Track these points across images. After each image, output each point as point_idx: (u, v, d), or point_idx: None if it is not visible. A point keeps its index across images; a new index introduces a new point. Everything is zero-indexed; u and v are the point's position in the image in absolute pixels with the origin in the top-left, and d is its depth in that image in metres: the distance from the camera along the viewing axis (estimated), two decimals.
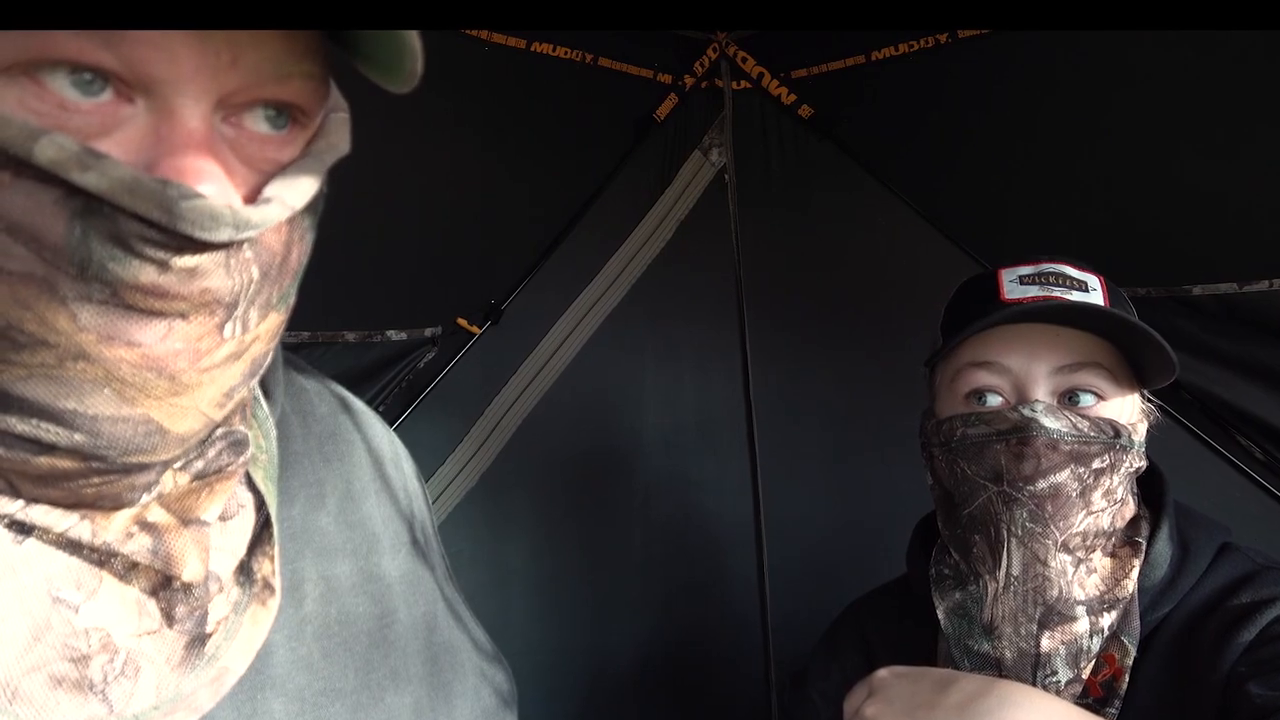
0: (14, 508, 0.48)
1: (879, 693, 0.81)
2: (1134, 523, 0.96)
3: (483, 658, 0.81)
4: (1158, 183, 1.54)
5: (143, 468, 0.49)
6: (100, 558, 0.51)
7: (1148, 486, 0.99)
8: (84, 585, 0.50)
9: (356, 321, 1.71)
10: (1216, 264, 1.51)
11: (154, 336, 0.45)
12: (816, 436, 2.05)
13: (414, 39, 0.47)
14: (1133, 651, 0.87)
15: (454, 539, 1.85)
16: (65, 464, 0.47)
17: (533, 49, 1.82)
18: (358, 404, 0.80)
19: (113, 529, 0.51)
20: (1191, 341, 1.54)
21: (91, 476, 0.48)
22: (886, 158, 1.92)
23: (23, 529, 0.49)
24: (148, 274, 0.44)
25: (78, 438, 0.46)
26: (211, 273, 0.45)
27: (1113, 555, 0.92)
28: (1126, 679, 0.87)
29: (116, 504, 0.50)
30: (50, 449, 0.46)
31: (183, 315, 0.46)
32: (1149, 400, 0.99)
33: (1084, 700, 0.87)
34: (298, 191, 0.50)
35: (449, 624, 0.78)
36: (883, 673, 0.83)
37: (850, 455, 2.00)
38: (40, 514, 0.49)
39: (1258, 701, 0.78)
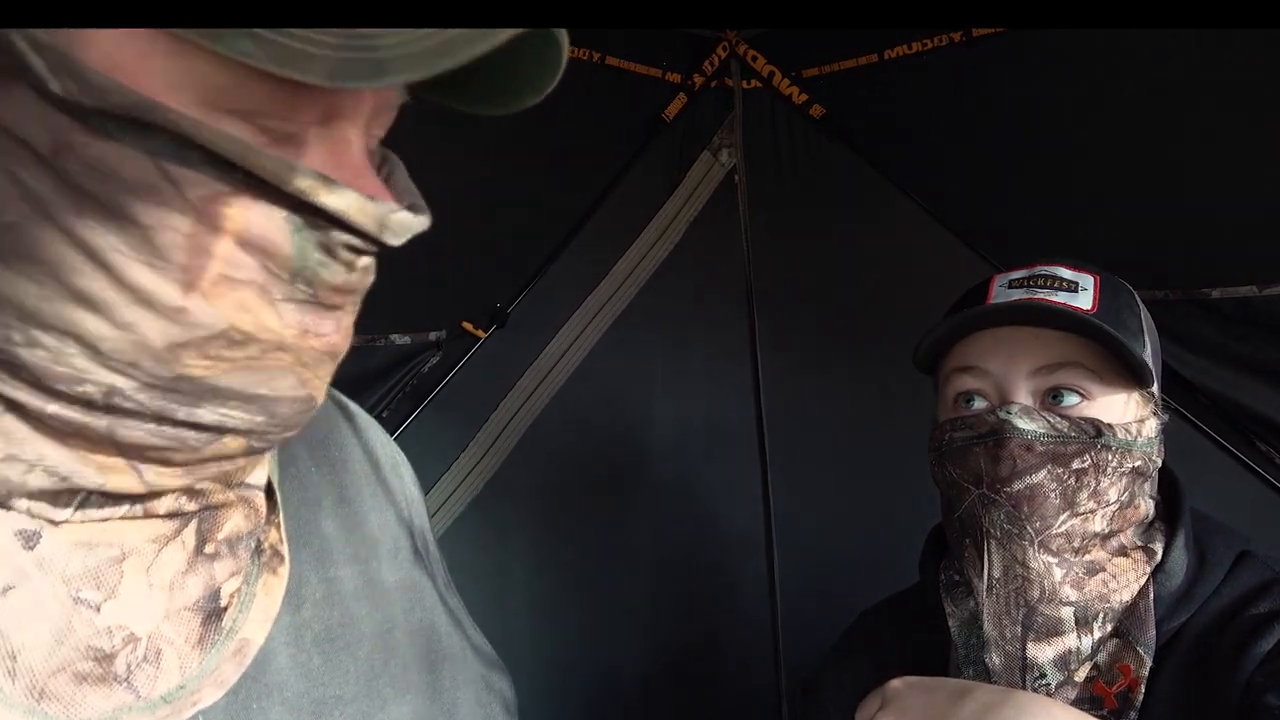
0: (92, 482, 0.50)
1: (892, 703, 0.80)
2: (1149, 530, 0.95)
3: (485, 666, 0.81)
4: (1176, 184, 1.53)
5: (284, 441, 0.55)
6: (121, 552, 0.53)
7: (1166, 493, 0.99)
8: (104, 584, 0.51)
9: (359, 325, 1.69)
10: (1236, 267, 1.50)
11: (330, 326, 0.52)
12: (828, 441, 2.04)
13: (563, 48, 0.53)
14: (1148, 661, 0.86)
15: (459, 546, 1.85)
16: (231, 446, 0.51)
17: None
18: (356, 410, 0.81)
19: (164, 502, 0.54)
20: (1210, 345, 1.53)
21: (239, 458, 0.53)
22: (899, 158, 1.91)
23: (33, 534, 0.49)
24: (340, 275, 0.51)
25: (258, 419, 0.51)
26: (371, 269, 0.53)
27: (1124, 556, 0.91)
28: (1142, 689, 0.85)
29: (223, 483, 0.56)
30: (226, 433, 0.50)
31: (344, 306, 0.53)
32: (1156, 400, 0.98)
33: (1099, 711, 0.86)
34: (419, 197, 0.57)
35: (450, 632, 0.77)
36: (896, 683, 0.82)
37: (863, 460, 1.99)
38: (107, 496, 0.51)
39: (1276, 713, 0.77)
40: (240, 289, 0.48)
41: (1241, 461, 1.56)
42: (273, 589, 0.61)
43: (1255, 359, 1.51)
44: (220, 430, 0.50)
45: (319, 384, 0.54)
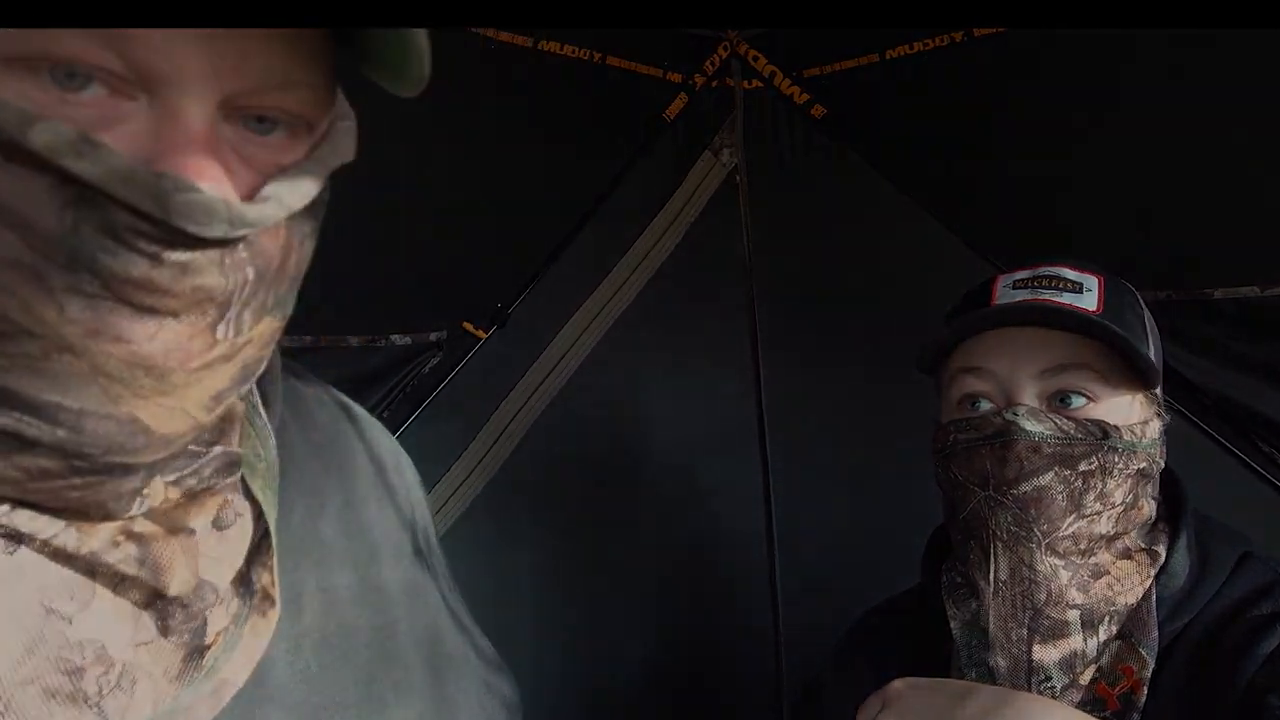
0: None
1: (893, 704, 0.80)
2: (1152, 531, 0.95)
3: (487, 667, 0.80)
4: (1179, 185, 1.53)
5: (125, 469, 0.48)
6: (89, 567, 0.50)
7: (1169, 495, 0.98)
8: (77, 596, 0.49)
9: (360, 325, 1.70)
10: (1238, 267, 1.49)
11: (144, 333, 0.45)
12: (830, 440, 2.03)
13: (421, 40, 0.47)
14: (1151, 663, 0.86)
15: (458, 548, 1.84)
16: (46, 463, 0.46)
17: (539, 47, 1.81)
18: (359, 411, 0.80)
19: (99, 537, 0.50)
20: (1212, 345, 1.52)
21: (73, 478, 0.47)
22: (901, 159, 1.90)
23: (14, 538, 0.48)
24: (139, 267, 0.43)
25: (60, 433, 0.45)
26: (204, 270, 0.45)
27: (1128, 559, 0.91)
28: (1145, 691, 0.85)
29: (104, 514, 0.50)
30: (32, 445, 0.45)
31: (174, 313, 0.45)
32: (1159, 401, 0.98)
33: (1101, 712, 0.86)
34: (297, 193, 0.50)
35: (452, 633, 0.77)
36: (897, 684, 0.82)
37: (864, 460, 1.98)
38: (25, 520, 0.48)
39: (1277, 714, 0.77)
40: (3, 269, 0.43)
41: (1243, 462, 1.56)
42: (260, 632, 0.58)
43: (1257, 359, 1.51)
44: (18, 439, 0.45)
45: (147, 405, 0.47)
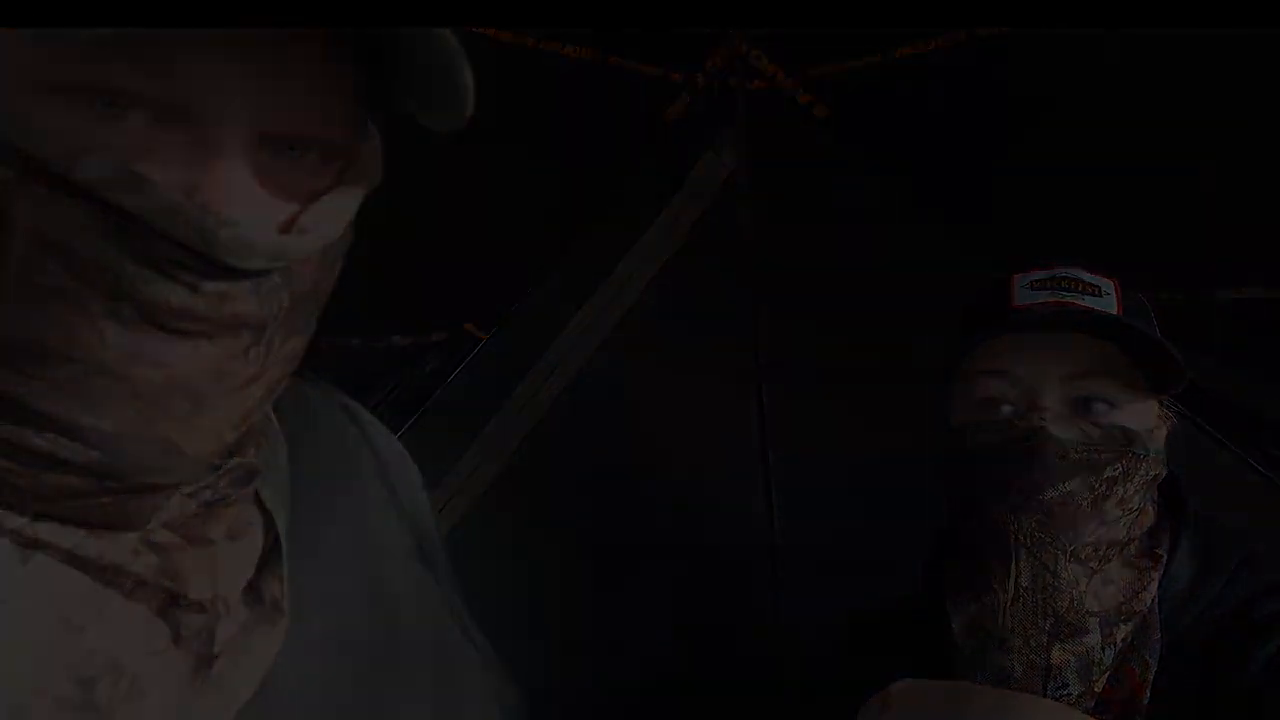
0: (20, 523, 0.48)
1: (894, 705, 0.80)
2: (1154, 533, 0.94)
3: (489, 670, 0.81)
4: (1183, 185, 1.52)
5: (155, 489, 0.50)
6: (108, 576, 0.50)
7: (1168, 496, 0.98)
8: (91, 605, 0.50)
9: (360, 326, 1.70)
10: (1242, 268, 1.49)
11: (180, 357, 0.46)
12: (833, 444, 2.02)
13: (464, 75, 0.49)
14: (1153, 665, 0.86)
15: (459, 549, 1.83)
16: (77, 482, 0.47)
17: (539, 47, 1.81)
18: (364, 414, 0.81)
19: (120, 546, 0.51)
20: (1215, 347, 1.52)
21: (102, 496, 0.48)
22: (904, 159, 1.90)
23: (31, 546, 0.48)
24: (178, 296, 0.44)
25: (94, 454, 0.46)
26: (241, 298, 0.47)
27: (1132, 565, 0.91)
28: (1147, 693, 0.85)
29: (126, 526, 0.50)
30: (63, 465, 0.46)
31: (209, 336, 0.46)
32: (1168, 406, 0.97)
33: (1105, 714, 0.85)
34: (333, 222, 0.52)
35: (455, 636, 0.78)
36: (898, 685, 0.82)
37: (868, 463, 1.97)
38: (47, 530, 0.48)
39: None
40: (44, 296, 0.43)
41: (1247, 463, 1.56)
42: (269, 641, 0.58)
43: (1259, 360, 1.50)
44: (50, 458, 0.46)
45: (180, 427, 0.48)
